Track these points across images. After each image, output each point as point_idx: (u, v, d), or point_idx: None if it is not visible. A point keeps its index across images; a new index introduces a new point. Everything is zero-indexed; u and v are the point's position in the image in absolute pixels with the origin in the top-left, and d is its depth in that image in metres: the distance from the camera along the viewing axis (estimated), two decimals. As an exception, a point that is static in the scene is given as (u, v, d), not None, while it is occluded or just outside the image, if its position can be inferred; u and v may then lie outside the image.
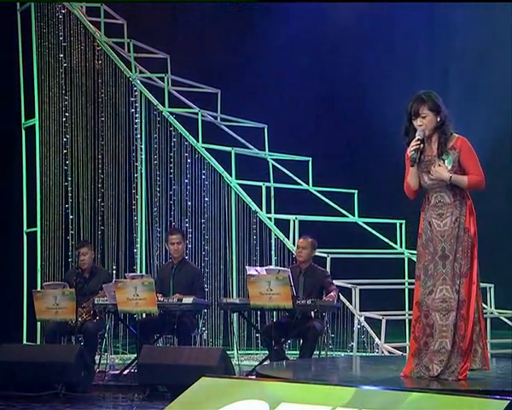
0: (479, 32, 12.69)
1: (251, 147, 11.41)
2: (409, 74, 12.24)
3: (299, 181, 11.32)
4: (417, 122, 5.99)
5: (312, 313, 8.61)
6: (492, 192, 12.50)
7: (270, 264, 10.15)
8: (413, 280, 6.23)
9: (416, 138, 5.98)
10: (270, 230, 10.58)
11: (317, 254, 9.52)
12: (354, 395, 4.43)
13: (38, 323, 10.29)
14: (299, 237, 9.44)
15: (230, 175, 10.72)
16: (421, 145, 6.00)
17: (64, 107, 11.38)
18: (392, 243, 10.91)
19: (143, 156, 10.98)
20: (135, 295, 8.45)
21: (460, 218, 5.94)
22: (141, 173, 10.98)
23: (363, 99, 12.64)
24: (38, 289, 10.25)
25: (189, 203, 10.86)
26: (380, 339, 9.48)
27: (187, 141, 10.90)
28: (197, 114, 11.10)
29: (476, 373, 6.05)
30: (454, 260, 5.91)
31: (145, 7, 12.23)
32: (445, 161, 5.95)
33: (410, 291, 9.60)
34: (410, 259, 10.42)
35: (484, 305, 10.33)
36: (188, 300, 8.56)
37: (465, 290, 5.89)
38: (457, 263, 5.91)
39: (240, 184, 10.71)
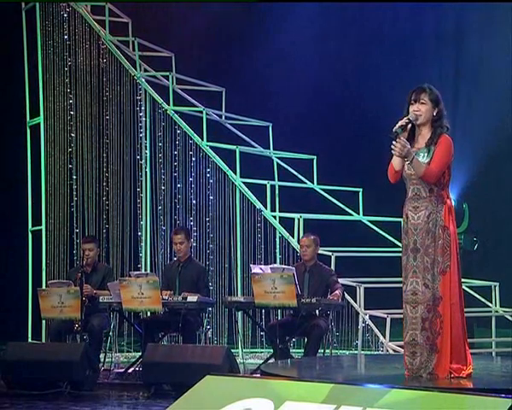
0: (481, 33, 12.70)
1: (256, 145, 11.41)
2: (412, 74, 12.21)
3: (303, 179, 11.31)
4: (414, 107, 6.01)
5: (317, 311, 8.61)
6: (497, 191, 12.50)
7: (275, 262, 10.15)
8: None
9: (407, 117, 6.00)
10: (274, 228, 10.57)
11: (321, 252, 9.51)
12: (359, 394, 4.44)
13: (43, 321, 10.32)
14: (302, 235, 9.42)
15: (235, 173, 10.72)
16: (409, 126, 6.01)
17: (69, 105, 11.39)
18: (396, 242, 10.88)
19: (148, 155, 10.98)
20: (140, 293, 8.47)
21: (435, 214, 5.93)
22: (145, 172, 10.98)
23: (368, 97, 12.63)
24: (43, 287, 10.27)
25: (194, 202, 10.86)
26: (384, 337, 9.48)
27: (191, 139, 10.90)
28: (202, 112, 11.10)
29: (480, 372, 6.04)
30: (424, 254, 5.92)
31: (150, 5, 12.23)
32: (426, 154, 5.94)
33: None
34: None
35: (489, 303, 10.36)
36: (193, 298, 8.56)
37: (442, 288, 5.88)
38: (428, 258, 5.90)
39: (244, 183, 10.71)
